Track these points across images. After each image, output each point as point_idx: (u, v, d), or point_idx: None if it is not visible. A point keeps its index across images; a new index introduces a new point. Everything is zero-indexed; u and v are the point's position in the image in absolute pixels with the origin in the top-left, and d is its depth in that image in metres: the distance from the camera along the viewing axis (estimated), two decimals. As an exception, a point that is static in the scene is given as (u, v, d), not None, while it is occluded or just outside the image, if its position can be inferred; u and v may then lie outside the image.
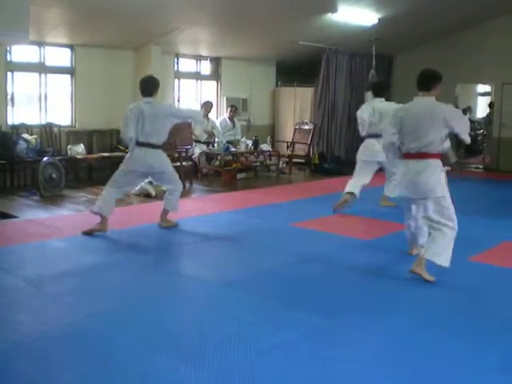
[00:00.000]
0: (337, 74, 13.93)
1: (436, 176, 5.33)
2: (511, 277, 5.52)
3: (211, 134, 11.88)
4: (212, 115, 12.52)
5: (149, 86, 6.89)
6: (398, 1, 11.16)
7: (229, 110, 12.11)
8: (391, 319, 4.33)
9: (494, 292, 5.08)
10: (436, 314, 4.49)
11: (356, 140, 14.75)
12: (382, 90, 9.02)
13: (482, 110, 18.39)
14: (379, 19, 11.87)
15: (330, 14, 11.07)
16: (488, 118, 15.78)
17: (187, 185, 10.09)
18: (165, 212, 7.19)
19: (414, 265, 5.29)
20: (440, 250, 5.22)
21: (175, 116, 7.09)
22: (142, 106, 6.74)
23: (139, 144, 6.77)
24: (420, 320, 4.34)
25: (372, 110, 8.40)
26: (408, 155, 5.49)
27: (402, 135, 5.51)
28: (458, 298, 4.88)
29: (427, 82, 5.47)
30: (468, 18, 12.96)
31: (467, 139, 5.45)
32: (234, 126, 11.91)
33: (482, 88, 17.08)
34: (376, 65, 13.90)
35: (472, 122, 14.97)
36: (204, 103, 12.20)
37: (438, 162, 5.36)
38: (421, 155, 5.39)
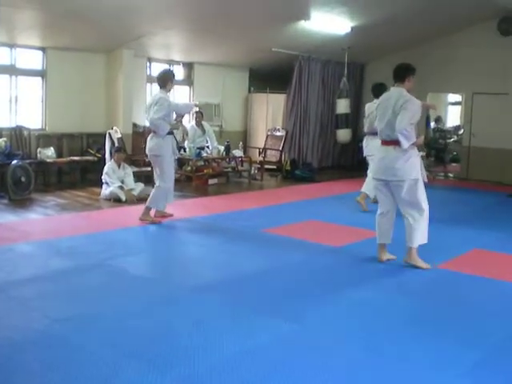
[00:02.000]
0: (309, 81, 14.00)
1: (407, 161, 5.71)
2: (478, 284, 5.57)
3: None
4: (184, 120, 12.45)
5: (159, 80, 7.74)
6: (371, 10, 11.24)
7: (194, 116, 12.05)
8: (363, 326, 4.33)
9: (459, 299, 5.12)
10: (405, 321, 4.50)
11: (328, 147, 14.90)
12: (381, 91, 9.26)
13: (452, 119, 18.61)
14: (352, 28, 11.93)
15: (304, 21, 11.09)
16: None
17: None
18: (145, 208, 7.67)
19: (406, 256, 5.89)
20: None
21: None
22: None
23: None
24: (390, 328, 4.34)
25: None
26: (382, 142, 5.91)
27: (377, 121, 5.99)
28: (426, 306, 4.90)
29: (402, 72, 5.89)
30: (439, 28, 13.11)
31: (399, 133, 5.61)
32: (203, 131, 11.85)
33: (453, 97, 17.25)
34: (348, 73, 14.00)
35: (442, 131, 15.23)
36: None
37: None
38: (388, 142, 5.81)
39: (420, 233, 5.84)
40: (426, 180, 5.91)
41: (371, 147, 9.10)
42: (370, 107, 9.48)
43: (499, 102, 13.03)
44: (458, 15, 12.20)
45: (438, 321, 4.54)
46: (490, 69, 13.15)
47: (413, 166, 5.77)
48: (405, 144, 5.64)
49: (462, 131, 14.61)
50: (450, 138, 16.88)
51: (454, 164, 15.91)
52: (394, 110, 5.69)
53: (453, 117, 18.64)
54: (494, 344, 4.10)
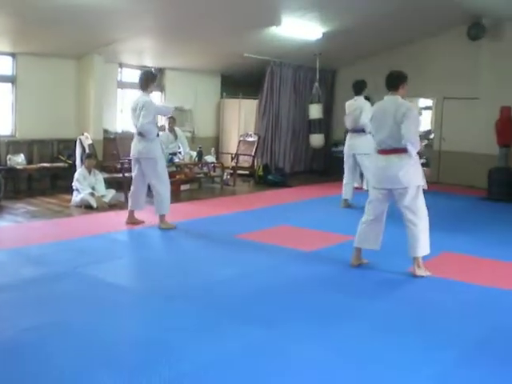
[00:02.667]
0: (281, 86, 14.06)
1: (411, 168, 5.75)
2: (449, 287, 5.61)
3: None
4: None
5: (140, 82, 7.69)
6: (342, 16, 11.30)
7: (167, 121, 12.02)
8: (335, 330, 4.34)
9: (430, 302, 5.15)
10: (377, 324, 4.52)
11: (300, 152, 14.95)
12: (361, 88, 9.79)
13: (423, 123, 18.74)
14: (323, 33, 11.99)
15: (275, 27, 11.12)
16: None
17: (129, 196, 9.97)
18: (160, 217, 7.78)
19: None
20: None
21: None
22: None
23: None
24: (362, 330, 4.36)
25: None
26: (381, 151, 5.88)
27: (374, 131, 6.00)
28: (397, 308, 4.93)
29: (395, 80, 5.91)
30: (410, 34, 13.25)
31: (408, 142, 5.60)
32: (175, 137, 11.81)
33: (424, 102, 17.40)
34: (320, 78, 14.08)
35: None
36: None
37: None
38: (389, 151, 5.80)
39: (423, 242, 5.84)
40: (426, 187, 5.93)
41: (360, 144, 9.22)
42: (351, 105, 9.65)
43: (469, 107, 13.19)
44: (428, 21, 12.33)
45: (409, 323, 4.56)
46: (460, 74, 13.31)
47: (417, 173, 5.80)
48: (413, 152, 5.66)
49: (432, 136, 14.74)
50: (422, 143, 17.01)
51: (424, 168, 16.03)
52: (396, 120, 5.66)
53: (424, 121, 18.79)
54: (465, 346, 4.14)
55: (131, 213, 7.96)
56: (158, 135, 7.85)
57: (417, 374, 3.66)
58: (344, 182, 9.95)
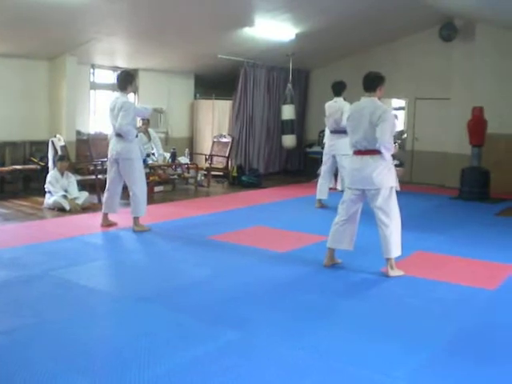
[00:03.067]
0: (255, 87, 14.07)
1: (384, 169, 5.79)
2: (422, 286, 5.65)
3: None
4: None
5: (119, 82, 7.71)
6: (315, 17, 11.35)
7: (141, 123, 11.97)
8: (309, 330, 4.35)
9: (404, 301, 5.19)
10: (350, 324, 4.55)
11: (274, 152, 14.98)
12: (341, 89, 9.75)
13: (396, 124, 18.89)
14: (297, 34, 12.03)
15: (248, 27, 11.13)
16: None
17: (103, 198, 9.91)
18: (134, 219, 7.74)
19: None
20: None
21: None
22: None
23: None
24: (336, 331, 4.38)
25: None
26: (356, 152, 5.92)
27: (350, 132, 6.00)
28: (371, 308, 4.96)
29: (372, 82, 5.91)
30: (383, 34, 13.35)
31: (382, 146, 5.64)
32: (148, 138, 11.76)
33: (397, 103, 17.53)
34: (293, 79, 14.14)
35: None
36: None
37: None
38: (363, 152, 5.83)
39: (395, 243, 5.88)
40: (398, 189, 5.97)
41: (341, 146, 9.25)
42: (331, 106, 9.66)
43: (441, 107, 13.33)
44: (401, 22, 12.44)
45: (382, 323, 4.59)
46: (432, 74, 13.45)
47: (390, 174, 5.84)
48: (387, 155, 5.71)
49: (405, 136, 14.86)
50: (395, 143, 17.14)
51: (398, 168, 16.15)
52: (371, 122, 5.70)
53: (397, 122, 18.95)
54: (437, 345, 4.17)
55: (105, 215, 7.92)
56: (136, 136, 7.81)
57: (389, 374, 3.69)
58: (320, 182, 9.99)
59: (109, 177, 7.88)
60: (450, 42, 12.95)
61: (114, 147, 7.67)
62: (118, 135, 7.61)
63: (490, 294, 5.47)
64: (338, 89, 9.71)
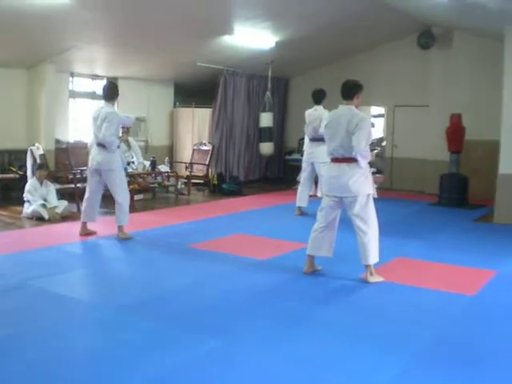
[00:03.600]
0: (234, 95, 14.09)
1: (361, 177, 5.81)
2: (402, 292, 5.68)
3: None
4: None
5: (106, 93, 7.72)
6: (295, 25, 11.40)
7: (120, 131, 11.92)
8: (289, 338, 4.35)
9: (383, 307, 5.21)
10: (329, 330, 4.55)
11: (254, 160, 15.00)
12: (321, 97, 9.80)
13: (376, 131, 18.97)
14: (276, 42, 12.07)
15: (228, 36, 11.14)
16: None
17: (82, 207, 9.86)
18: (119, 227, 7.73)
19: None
20: None
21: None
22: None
23: None
24: (315, 338, 4.38)
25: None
26: (334, 159, 5.94)
27: (327, 140, 6.01)
28: (350, 314, 4.96)
29: (350, 91, 5.93)
30: (361, 42, 13.42)
31: (358, 154, 5.67)
32: (128, 147, 11.72)
33: (376, 110, 17.62)
34: (272, 87, 14.17)
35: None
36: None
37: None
38: (341, 160, 5.85)
39: (374, 250, 5.91)
40: (375, 196, 6.00)
41: (319, 153, 9.27)
42: (311, 114, 9.70)
43: (420, 114, 13.43)
44: (380, 30, 12.52)
45: (362, 330, 4.60)
46: (411, 82, 13.55)
47: (366, 182, 5.86)
48: (363, 163, 5.73)
49: (384, 143, 14.94)
50: (374, 150, 17.22)
51: (377, 175, 16.23)
52: (348, 130, 5.72)
53: (376, 129, 19.04)
54: (415, 351, 4.18)
55: (84, 224, 7.88)
56: (118, 147, 7.79)
57: (368, 380, 3.70)
58: (300, 189, 10.02)
59: (89, 186, 7.85)
60: (428, 49, 13.06)
61: (95, 157, 7.64)
62: (100, 145, 7.58)
63: (469, 300, 5.50)
64: (318, 97, 9.75)
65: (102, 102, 7.77)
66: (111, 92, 7.69)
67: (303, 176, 10.00)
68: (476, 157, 12.26)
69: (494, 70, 11.29)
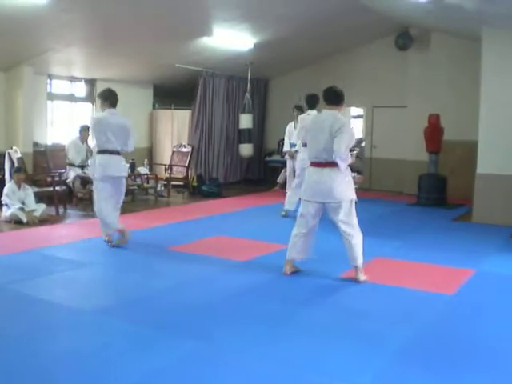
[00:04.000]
0: (214, 96, 14.08)
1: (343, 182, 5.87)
2: (380, 292, 5.71)
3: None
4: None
5: (113, 99, 7.57)
6: (273, 27, 11.41)
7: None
8: (269, 339, 4.35)
9: (361, 307, 5.23)
10: (308, 331, 4.56)
11: (234, 162, 15.00)
12: (315, 102, 9.65)
13: (355, 132, 19.04)
14: (255, 44, 12.07)
15: (206, 37, 11.13)
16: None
17: (61, 210, 9.82)
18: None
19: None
20: None
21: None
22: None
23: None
24: (295, 338, 4.38)
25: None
26: (315, 164, 5.96)
27: (309, 143, 6.09)
28: (328, 314, 4.98)
29: (337, 98, 5.97)
30: (340, 43, 13.48)
31: (338, 157, 5.70)
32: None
33: (355, 111, 17.69)
34: (252, 88, 14.18)
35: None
36: (83, 128, 11.73)
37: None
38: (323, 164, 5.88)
39: (361, 251, 5.99)
40: (356, 200, 6.02)
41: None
42: (304, 119, 9.59)
43: (398, 115, 13.50)
44: (358, 31, 12.57)
45: (342, 330, 4.61)
46: (389, 83, 13.62)
47: (349, 187, 5.91)
48: (343, 167, 5.75)
49: (363, 144, 14.99)
50: (354, 151, 17.26)
51: (357, 176, 16.29)
52: (331, 134, 5.73)
53: (355, 130, 19.12)
54: (397, 351, 4.20)
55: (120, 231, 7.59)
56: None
57: (350, 380, 3.71)
58: (289, 193, 10.00)
59: (106, 192, 7.48)
60: (406, 50, 13.14)
61: (112, 164, 7.39)
62: (117, 153, 7.46)
63: (448, 299, 5.54)
64: (312, 102, 9.67)
65: (111, 109, 7.56)
66: (116, 98, 7.59)
67: (296, 182, 9.82)
68: (454, 157, 12.36)
69: (471, 70, 11.39)
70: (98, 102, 7.83)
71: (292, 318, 4.90)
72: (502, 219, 9.56)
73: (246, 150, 14.02)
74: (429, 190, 11.54)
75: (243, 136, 13.90)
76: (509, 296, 5.71)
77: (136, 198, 11.93)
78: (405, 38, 13.05)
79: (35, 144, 11.38)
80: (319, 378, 3.72)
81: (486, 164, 9.76)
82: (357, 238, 5.94)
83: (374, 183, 14.05)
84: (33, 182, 10.36)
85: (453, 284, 5.99)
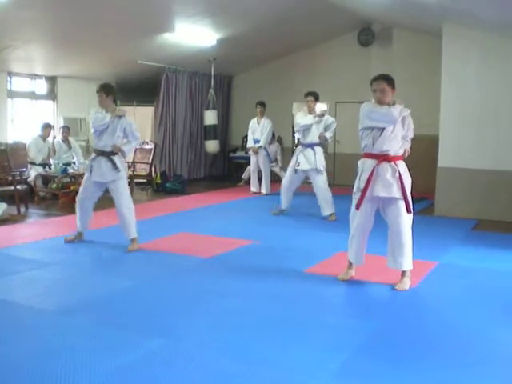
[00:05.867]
0: (177, 93, 14.02)
1: None
2: (342, 285, 5.74)
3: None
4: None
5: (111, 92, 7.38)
6: (236, 23, 11.40)
7: (61, 131, 11.74)
8: (235, 336, 4.35)
9: (324, 302, 5.26)
10: (274, 326, 4.55)
11: (199, 158, 14.96)
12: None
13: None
14: (218, 40, 12.05)
15: (168, 33, 11.07)
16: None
17: (22, 209, 9.68)
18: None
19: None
20: None
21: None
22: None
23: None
24: (261, 335, 4.38)
25: None
26: None
27: None
28: (294, 310, 4.98)
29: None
30: (303, 39, 13.52)
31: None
32: (69, 147, 11.55)
33: (319, 107, 17.76)
34: (215, 84, 14.16)
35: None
36: (44, 125, 11.63)
37: None
38: None
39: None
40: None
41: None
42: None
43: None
44: (321, 27, 12.64)
45: (303, 324, 4.62)
46: (352, 79, 13.70)
47: None
48: None
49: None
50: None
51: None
52: None
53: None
54: (358, 344, 4.22)
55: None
56: None
57: (312, 375, 3.72)
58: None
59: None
60: (368, 46, 13.24)
61: (115, 165, 7.24)
62: (115, 153, 7.25)
63: (410, 291, 5.59)
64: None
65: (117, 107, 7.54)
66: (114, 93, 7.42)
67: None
68: (418, 151, 12.39)
69: (432, 65, 11.52)
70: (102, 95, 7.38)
71: (255, 314, 4.90)
72: (464, 212, 9.70)
73: (212, 146, 14.00)
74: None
75: (209, 132, 13.89)
76: (469, 287, 5.79)
77: (99, 195, 11.79)
78: (367, 33, 13.17)
79: (-4, 142, 11.22)
80: (282, 373, 3.72)
81: (447, 158, 9.90)
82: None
83: (338, 178, 14.12)
84: (-7, 181, 10.21)
85: (415, 276, 6.02)
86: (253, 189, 12.51)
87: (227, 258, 6.81)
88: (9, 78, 11.97)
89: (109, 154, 7.17)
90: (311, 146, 9.44)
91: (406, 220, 5.72)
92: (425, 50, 12.46)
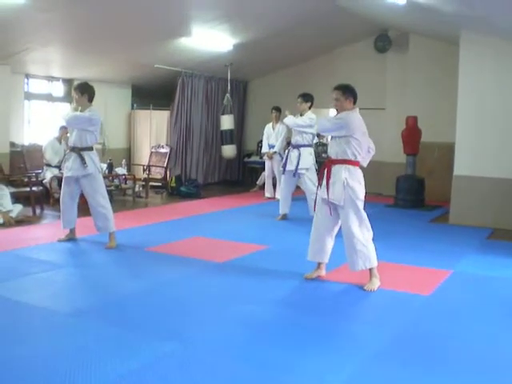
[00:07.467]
0: (192, 97, 14.05)
1: None
2: (356, 292, 5.72)
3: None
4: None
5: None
6: (252, 28, 11.42)
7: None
8: (246, 340, 4.35)
9: (337, 307, 5.25)
10: (285, 332, 4.54)
11: (213, 162, 14.98)
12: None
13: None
14: (234, 45, 12.07)
15: (185, 38, 11.10)
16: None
17: (38, 211, 9.73)
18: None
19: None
20: None
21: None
22: None
23: None
24: (273, 340, 4.38)
25: None
26: None
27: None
28: (305, 316, 4.97)
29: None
30: (319, 45, 13.51)
31: None
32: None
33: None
34: (231, 89, 14.17)
35: (324, 145, 15.56)
36: (62, 127, 11.64)
37: None
38: None
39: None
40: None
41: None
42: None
43: (377, 117, 13.51)
44: (337, 33, 12.65)
45: (316, 330, 4.61)
46: (368, 85, 13.61)
47: None
48: None
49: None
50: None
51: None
52: None
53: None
54: (372, 352, 4.20)
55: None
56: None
57: (324, 380, 3.70)
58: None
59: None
60: (385, 52, 13.22)
61: (93, 161, 7.52)
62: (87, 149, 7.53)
63: (425, 300, 5.56)
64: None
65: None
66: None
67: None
68: (432, 159, 12.43)
69: (449, 72, 11.46)
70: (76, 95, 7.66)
71: (268, 320, 4.90)
72: (479, 221, 9.64)
73: (228, 151, 13.97)
74: (406, 192, 11.59)
75: (225, 137, 13.86)
76: (484, 296, 5.76)
77: (114, 198, 11.83)
78: (384, 40, 13.14)
79: (12, 144, 11.28)
80: (295, 378, 3.71)
81: (463, 166, 9.84)
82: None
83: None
84: (9, 182, 10.26)
85: (429, 285, 6.02)
86: (267, 194, 12.50)
87: (241, 262, 6.81)
88: (26, 80, 12.03)
89: (79, 150, 7.41)
90: (297, 147, 9.54)
91: (353, 221, 6.05)
92: (442, 56, 12.40)
